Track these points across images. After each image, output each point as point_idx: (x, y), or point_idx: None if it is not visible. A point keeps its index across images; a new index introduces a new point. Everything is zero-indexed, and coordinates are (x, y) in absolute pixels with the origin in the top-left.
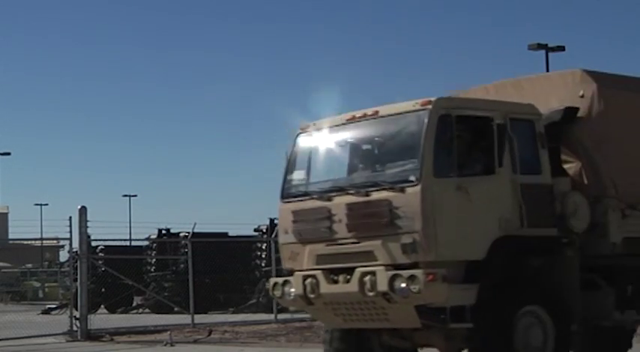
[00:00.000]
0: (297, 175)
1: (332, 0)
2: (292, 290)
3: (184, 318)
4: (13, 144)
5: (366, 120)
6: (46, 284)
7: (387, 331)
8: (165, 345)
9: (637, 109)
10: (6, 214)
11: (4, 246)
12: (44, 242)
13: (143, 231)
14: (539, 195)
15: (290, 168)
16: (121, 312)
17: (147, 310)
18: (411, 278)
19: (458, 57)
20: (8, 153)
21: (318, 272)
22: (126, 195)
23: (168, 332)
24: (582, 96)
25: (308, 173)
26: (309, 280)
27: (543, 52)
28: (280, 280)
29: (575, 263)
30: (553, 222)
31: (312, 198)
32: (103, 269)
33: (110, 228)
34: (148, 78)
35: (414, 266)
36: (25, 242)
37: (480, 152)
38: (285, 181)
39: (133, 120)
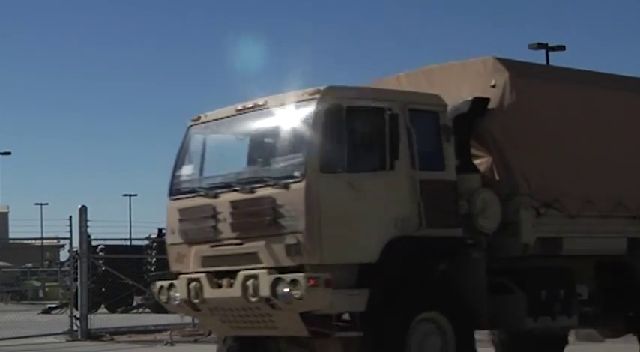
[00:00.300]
0: (186, 170)
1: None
2: (177, 294)
3: (184, 318)
4: (13, 144)
5: (256, 110)
6: (47, 284)
7: (284, 337)
8: (165, 345)
9: (553, 100)
10: (6, 214)
11: (5, 245)
12: (44, 241)
13: (143, 231)
14: (442, 192)
15: (179, 162)
16: (122, 312)
17: (147, 310)
18: (293, 283)
19: (458, 57)
20: (8, 153)
21: (202, 276)
22: (126, 195)
23: (169, 332)
24: (494, 86)
25: (196, 168)
26: (193, 284)
27: (544, 51)
28: (166, 283)
29: (481, 266)
30: (457, 222)
31: (199, 195)
32: (103, 268)
33: (110, 227)
34: (148, 78)
35: (299, 269)
36: (26, 241)
37: (375, 146)
38: (174, 177)
39: (133, 120)
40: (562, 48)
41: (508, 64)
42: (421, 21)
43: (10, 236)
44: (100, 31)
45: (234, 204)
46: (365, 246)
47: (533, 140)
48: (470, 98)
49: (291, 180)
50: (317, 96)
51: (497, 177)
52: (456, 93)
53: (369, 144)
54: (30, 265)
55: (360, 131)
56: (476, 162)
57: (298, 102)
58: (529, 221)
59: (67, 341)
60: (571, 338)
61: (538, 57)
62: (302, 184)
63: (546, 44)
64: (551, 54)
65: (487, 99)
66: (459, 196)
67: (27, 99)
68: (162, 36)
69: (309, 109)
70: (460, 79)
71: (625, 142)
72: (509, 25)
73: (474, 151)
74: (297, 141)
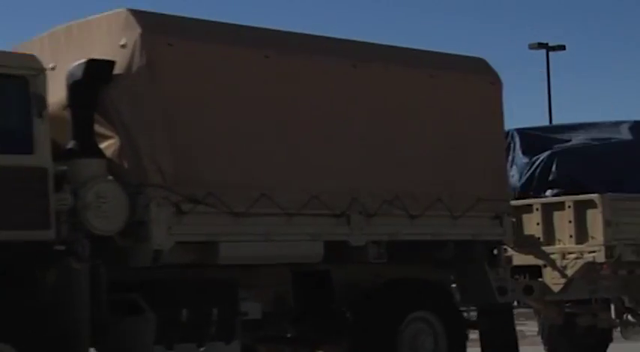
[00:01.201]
0: None
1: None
2: None
3: None
4: None
5: None
6: None
7: None
8: None
9: (207, 66)
10: None
11: None
12: None
13: None
14: (24, 182)
15: None
16: None
17: None
18: None
19: None
20: None
21: None
22: None
23: None
24: (124, 46)
25: None
26: None
27: (544, 51)
28: None
29: (81, 279)
30: (47, 222)
31: None
32: None
33: None
34: None
35: None
36: None
37: None
38: None
39: None
40: (562, 47)
41: (143, 17)
42: (420, 20)
43: None
44: None
45: None
46: None
47: (171, 116)
48: (83, 61)
49: None
50: None
51: (125, 165)
52: (89, 55)
53: None
54: None
55: None
56: (103, 145)
57: None
58: (164, 221)
59: None
60: None
61: (538, 57)
62: None
63: (546, 44)
64: (551, 53)
65: (110, 63)
66: (61, 188)
67: None
68: None
69: None
70: (94, 38)
71: (324, 120)
72: (510, 25)
73: (100, 130)
74: None
